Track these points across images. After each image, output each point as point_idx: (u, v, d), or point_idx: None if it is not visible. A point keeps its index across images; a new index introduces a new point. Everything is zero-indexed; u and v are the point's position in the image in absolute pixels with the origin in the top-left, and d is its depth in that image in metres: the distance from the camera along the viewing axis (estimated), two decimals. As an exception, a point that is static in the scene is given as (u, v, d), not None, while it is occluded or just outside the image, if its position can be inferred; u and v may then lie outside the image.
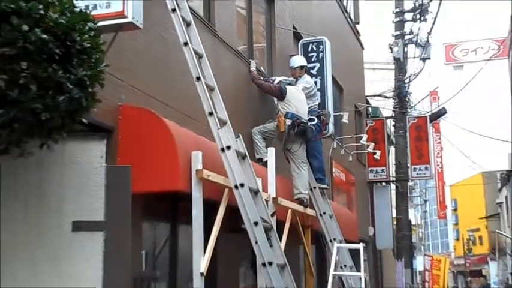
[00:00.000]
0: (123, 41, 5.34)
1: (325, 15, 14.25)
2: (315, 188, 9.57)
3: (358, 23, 19.30)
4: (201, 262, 5.89)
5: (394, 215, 18.45)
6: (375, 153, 16.90)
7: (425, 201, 37.63)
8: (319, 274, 10.24)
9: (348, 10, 17.85)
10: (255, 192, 6.45)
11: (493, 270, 46.43)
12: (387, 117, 19.26)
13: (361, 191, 17.04)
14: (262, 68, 9.73)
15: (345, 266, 9.43)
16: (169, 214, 6.73)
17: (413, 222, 22.22)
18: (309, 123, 9.19)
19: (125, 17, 4.86)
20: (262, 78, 9.32)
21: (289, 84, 9.18)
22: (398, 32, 18.06)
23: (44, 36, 3.51)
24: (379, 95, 19.95)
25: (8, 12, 3.44)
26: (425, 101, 24.44)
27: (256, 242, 6.29)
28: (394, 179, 18.36)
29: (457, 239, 57.55)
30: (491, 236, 45.03)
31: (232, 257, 7.85)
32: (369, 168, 18.21)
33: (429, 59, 18.51)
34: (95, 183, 4.56)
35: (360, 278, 9.15)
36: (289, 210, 8.41)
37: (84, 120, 4.35)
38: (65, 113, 3.80)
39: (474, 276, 55.95)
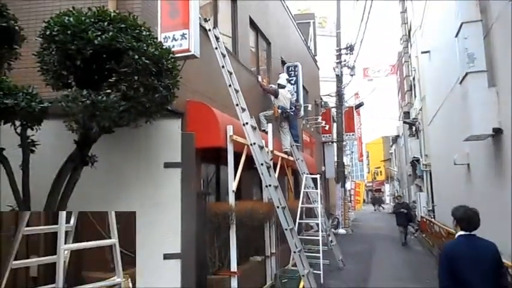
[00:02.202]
0: (189, 64, 5.25)
1: (298, 50, 14.01)
2: (293, 145, 9.52)
3: (316, 55, 18.99)
4: (233, 184, 5.91)
5: (335, 159, 18.36)
6: (325, 127, 16.84)
7: (352, 152, 37.36)
8: (295, 192, 10.26)
9: (310, 48, 17.62)
10: (261, 147, 6.42)
11: (386, 188, 46.77)
12: (332, 107, 19.02)
13: (318, 147, 16.96)
14: (264, 80, 9.59)
15: (309, 187, 9.45)
16: (215, 159, 6.72)
17: (345, 164, 22.15)
18: (290, 111, 9.11)
19: (190, 51, 4.77)
20: (265, 85, 9.23)
21: (281, 87, 9.10)
22: (338, 60, 17.72)
23: (147, 61, 3.45)
24: (328, 95, 19.68)
25: (126, 48, 3.39)
26: (352, 98, 24.16)
27: (262, 174, 6.30)
28: (336, 140, 18.22)
29: (369, 172, 57.45)
30: (386, 171, 45.18)
31: (249, 182, 7.87)
32: (322, 135, 18.09)
33: (354, 75, 18.25)
34: (175, 142, 4.54)
35: (317, 193, 9.18)
36: (280, 157, 8.39)
37: (169, 108, 4.31)
38: (158, 103, 3.75)
39: (377, 192, 56.11)
